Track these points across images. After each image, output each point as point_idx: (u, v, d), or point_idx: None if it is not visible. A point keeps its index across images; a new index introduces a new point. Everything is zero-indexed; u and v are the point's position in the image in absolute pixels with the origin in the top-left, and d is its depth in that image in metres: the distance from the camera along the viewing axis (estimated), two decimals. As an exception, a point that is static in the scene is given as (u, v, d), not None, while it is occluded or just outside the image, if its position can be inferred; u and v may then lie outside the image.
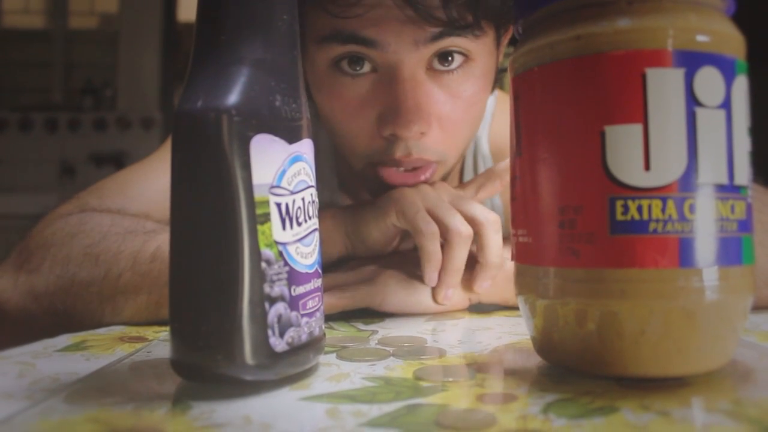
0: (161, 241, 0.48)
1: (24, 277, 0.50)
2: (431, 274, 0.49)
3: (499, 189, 0.55)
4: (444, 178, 0.58)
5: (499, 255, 0.49)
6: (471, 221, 0.49)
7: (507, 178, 0.51)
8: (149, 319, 0.47)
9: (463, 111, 0.54)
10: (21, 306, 0.50)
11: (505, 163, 0.51)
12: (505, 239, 0.51)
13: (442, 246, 0.49)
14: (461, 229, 0.49)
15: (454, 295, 0.50)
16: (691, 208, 0.27)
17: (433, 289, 0.50)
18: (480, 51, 0.53)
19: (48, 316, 0.49)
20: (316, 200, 0.32)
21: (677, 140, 0.27)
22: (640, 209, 0.27)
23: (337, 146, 0.61)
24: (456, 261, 0.49)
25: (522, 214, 0.32)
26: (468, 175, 0.72)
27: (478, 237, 0.49)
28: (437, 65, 0.52)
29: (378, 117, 0.52)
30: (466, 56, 0.52)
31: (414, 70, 0.50)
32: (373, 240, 0.51)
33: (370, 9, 0.48)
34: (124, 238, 0.49)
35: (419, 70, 0.51)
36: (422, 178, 0.55)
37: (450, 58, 0.51)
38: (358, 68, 0.52)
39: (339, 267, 0.53)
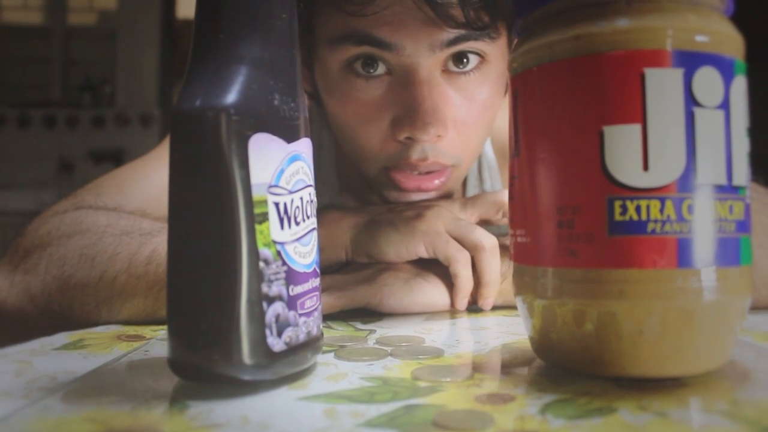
0: (157, 243, 0.47)
1: (20, 277, 0.50)
2: (463, 300, 0.49)
3: (499, 217, 0.54)
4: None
5: (497, 276, 0.49)
6: (471, 247, 0.49)
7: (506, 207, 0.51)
8: (146, 320, 0.47)
9: (478, 114, 0.54)
10: (17, 306, 0.49)
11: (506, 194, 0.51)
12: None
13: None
14: (485, 242, 0.49)
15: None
16: (690, 209, 0.27)
17: (472, 299, 0.50)
18: (495, 53, 0.52)
19: (44, 316, 0.48)
20: (315, 199, 0.32)
21: (676, 140, 0.27)
22: (638, 210, 0.27)
23: (347, 153, 0.60)
24: (491, 272, 0.49)
25: (520, 214, 0.32)
26: (471, 177, 0.71)
27: (477, 261, 0.49)
28: (452, 67, 0.51)
29: (393, 120, 0.52)
30: (482, 57, 0.52)
31: (430, 72, 0.50)
32: (387, 258, 0.51)
33: (388, 7, 0.48)
34: (120, 240, 0.48)
35: (435, 73, 0.51)
36: (436, 182, 0.55)
37: (465, 60, 0.51)
38: (372, 70, 0.51)
39: (336, 272, 0.52)
